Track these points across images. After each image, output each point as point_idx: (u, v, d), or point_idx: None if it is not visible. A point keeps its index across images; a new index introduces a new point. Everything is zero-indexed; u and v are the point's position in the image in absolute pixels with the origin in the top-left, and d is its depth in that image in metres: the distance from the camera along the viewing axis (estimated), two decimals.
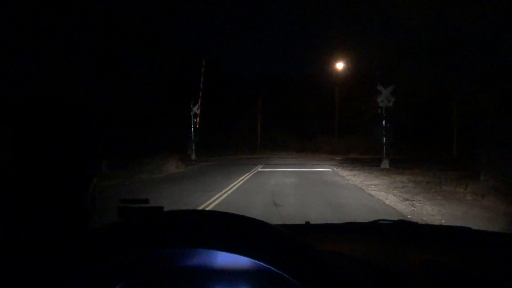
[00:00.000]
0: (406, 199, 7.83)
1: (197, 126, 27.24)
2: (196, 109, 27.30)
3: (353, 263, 0.79)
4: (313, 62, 53.24)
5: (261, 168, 16.85)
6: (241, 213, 0.65)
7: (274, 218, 5.80)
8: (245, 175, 13.37)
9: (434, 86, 26.17)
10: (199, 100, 27.68)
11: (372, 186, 10.10)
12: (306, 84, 40.37)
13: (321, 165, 18.79)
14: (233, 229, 0.61)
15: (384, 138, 17.26)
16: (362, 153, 33.04)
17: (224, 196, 8.35)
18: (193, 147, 26.75)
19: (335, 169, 16.38)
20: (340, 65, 33.51)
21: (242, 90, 39.07)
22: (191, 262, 0.69)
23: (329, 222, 1.60)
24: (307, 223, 1.52)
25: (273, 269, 0.57)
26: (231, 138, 36.98)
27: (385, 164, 16.93)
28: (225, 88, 38.19)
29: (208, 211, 0.66)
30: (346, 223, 1.48)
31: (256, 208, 6.76)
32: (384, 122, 17.25)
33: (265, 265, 0.57)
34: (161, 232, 0.61)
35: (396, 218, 1.49)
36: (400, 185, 10.30)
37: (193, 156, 26.32)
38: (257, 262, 0.57)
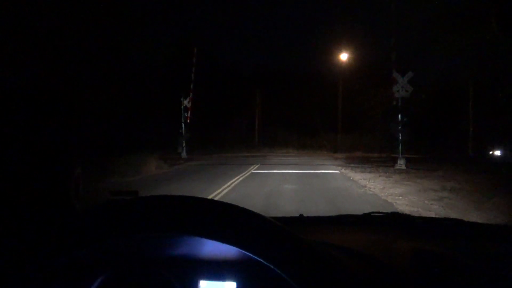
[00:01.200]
0: None
1: (188, 121, 24.77)
2: (187, 103, 24.76)
3: (344, 253, 0.79)
4: (316, 54, 50.07)
5: (256, 169, 14.37)
6: None
7: None
8: (235, 179, 10.91)
9: (451, 75, 23.68)
10: (190, 93, 25.22)
11: (399, 197, 7.62)
12: (307, 78, 37.75)
13: (326, 166, 16.27)
14: (220, 217, 0.59)
15: (400, 134, 14.77)
16: (367, 151, 30.57)
17: None
18: (184, 144, 24.26)
19: (343, 170, 13.88)
20: (344, 56, 31.02)
21: (239, 83, 36.50)
22: (177, 252, 0.69)
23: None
24: (301, 215, 1.48)
25: (261, 260, 0.55)
26: (227, 134, 34.45)
27: (401, 164, 14.47)
28: (221, 81, 35.67)
29: (197, 197, 0.62)
30: (339, 215, 1.46)
31: None
32: (400, 116, 14.74)
33: (253, 256, 0.55)
34: (142, 217, 0.59)
35: None
36: (433, 194, 7.84)
37: (184, 154, 23.85)
38: (245, 252, 0.56)
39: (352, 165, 16.29)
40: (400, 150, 14.77)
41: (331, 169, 14.66)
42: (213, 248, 0.65)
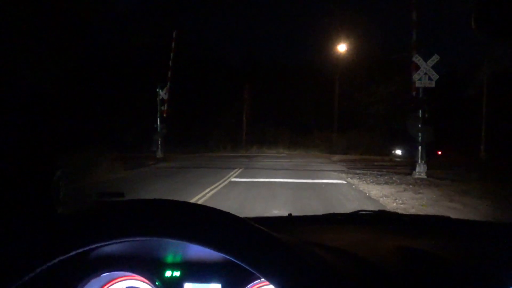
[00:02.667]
0: None
1: (165, 116, 21.43)
2: (164, 94, 21.41)
3: (332, 253, 0.78)
4: (310, 46, 45.23)
5: (237, 176, 11.15)
6: None
7: None
8: (204, 193, 7.73)
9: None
10: (168, 82, 21.88)
11: None
12: (301, 72, 34.61)
13: (326, 172, 13.06)
14: (202, 220, 0.59)
15: (420, 134, 11.69)
16: (366, 152, 27.63)
17: None
18: (159, 142, 20.92)
19: (350, 179, 10.70)
20: (342, 48, 27.91)
21: (227, 75, 33.17)
22: (161, 255, 0.69)
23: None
24: (290, 215, 1.45)
25: (241, 263, 0.56)
26: (212, 131, 31.17)
27: (421, 172, 11.41)
28: (206, 73, 32.36)
29: (180, 201, 0.63)
30: (327, 214, 1.45)
31: None
32: (421, 112, 11.64)
33: (233, 259, 0.56)
34: (126, 220, 0.59)
35: None
36: None
37: (159, 154, 20.51)
38: (226, 256, 0.57)
39: (358, 171, 13.14)
40: (420, 153, 11.71)
41: (334, 177, 11.49)
42: (198, 251, 0.64)
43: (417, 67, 11.47)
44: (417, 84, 11.47)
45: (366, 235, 1.17)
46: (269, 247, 0.57)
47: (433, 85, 11.40)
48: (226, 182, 9.69)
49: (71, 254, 0.57)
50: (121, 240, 0.60)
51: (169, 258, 0.74)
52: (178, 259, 0.74)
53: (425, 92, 11.58)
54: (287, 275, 0.55)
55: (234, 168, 13.39)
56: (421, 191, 8.27)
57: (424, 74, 11.32)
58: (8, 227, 0.87)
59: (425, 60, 11.35)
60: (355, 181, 10.35)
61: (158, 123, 20.68)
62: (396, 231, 1.23)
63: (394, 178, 10.82)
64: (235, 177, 10.78)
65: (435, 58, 11.30)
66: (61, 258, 0.57)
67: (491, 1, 0.82)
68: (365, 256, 0.82)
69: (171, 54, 22.21)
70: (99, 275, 0.76)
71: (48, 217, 0.98)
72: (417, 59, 11.46)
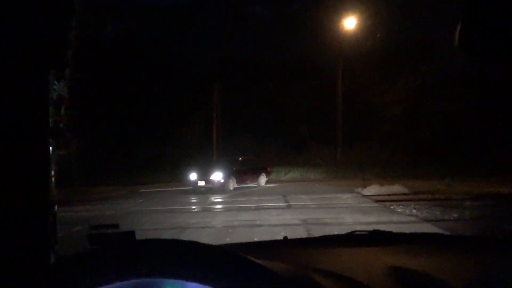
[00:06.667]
0: None
1: (61, 125, 12.24)
2: (61, 89, 12.25)
3: (327, 277, 0.79)
4: (304, 33, 28.71)
5: None
6: None
7: None
8: None
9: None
10: (65, 69, 12.79)
11: None
12: (291, 69, 25.93)
13: None
14: (198, 258, 0.60)
15: None
16: (387, 172, 18.87)
17: None
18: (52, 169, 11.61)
19: None
20: (350, 23, 19.33)
21: (187, 72, 24.19)
22: None
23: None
24: (285, 237, 1.46)
25: None
26: (168, 149, 22.05)
27: None
28: (159, 70, 23.44)
29: (177, 240, 0.63)
30: (323, 236, 1.45)
31: None
32: None
33: None
34: (135, 261, 0.60)
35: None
36: None
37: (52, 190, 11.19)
38: None
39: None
40: None
41: None
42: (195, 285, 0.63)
43: None
44: None
45: (361, 256, 1.19)
46: (266, 280, 0.58)
47: None
48: None
49: None
50: (122, 281, 0.59)
51: None
52: None
53: None
54: None
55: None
56: None
57: None
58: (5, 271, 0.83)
59: None
60: None
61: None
62: (391, 251, 1.24)
63: None
64: None
65: None
66: None
67: (478, 20, 0.80)
68: (361, 279, 0.85)
69: (73, 18, 13.30)
70: None
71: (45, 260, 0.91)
72: None
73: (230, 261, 0.60)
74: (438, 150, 20.24)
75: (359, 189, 11.52)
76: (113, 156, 17.90)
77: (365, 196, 10.39)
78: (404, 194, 10.28)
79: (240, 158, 15.74)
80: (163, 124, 21.60)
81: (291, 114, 25.69)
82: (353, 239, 1.39)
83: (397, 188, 10.99)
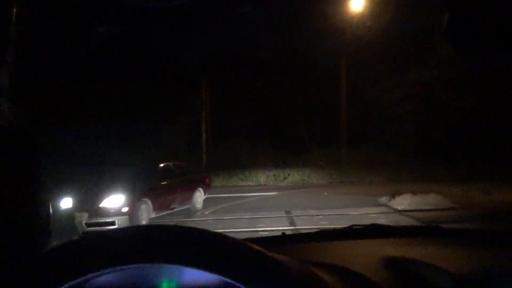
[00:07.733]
0: None
1: None
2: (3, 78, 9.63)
3: (326, 270, 0.78)
4: (301, 21, 26.31)
5: None
6: None
7: None
8: None
9: None
10: (10, 48, 10.16)
11: None
12: (288, 63, 23.33)
13: None
14: (197, 243, 0.59)
15: None
16: (399, 175, 16.61)
17: None
18: None
19: None
20: (357, 4, 16.85)
21: (173, 66, 21.56)
22: (155, 283, 0.68)
23: None
24: (283, 233, 1.46)
25: (240, 285, 0.55)
26: (151, 152, 19.38)
27: None
28: (142, 63, 20.78)
29: (172, 226, 0.63)
30: (321, 230, 1.42)
31: None
32: None
33: (231, 281, 0.55)
34: (121, 248, 0.59)
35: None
36: None
37: None
38: (224, 278, 0.56)
39: None
40: None
41: None
42: (193, 275, 0.64)
43: None
44: None
45: (359, 249, 1.17)
46: (266, 267, 0.57)
47: None
48: None
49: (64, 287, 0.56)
50: (116, 269, 0.58)
51: (164, 286, 0.69)
52: (173, 285, 0.69)
53: None
54: None
55: None
56: None
57: None
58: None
59: None
60: None
61: None
62: (389, 243, 1.23)
63: None
64: None
65: None
66: None
67: (462, 15, 0.79)
68: (359, 270, 0.84)
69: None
70: None
71: (37, 249, 0.92)
72: None
73: (238, 250, 0.58)
74: (455, 151, 17.87)
75: (385, 199, 8.98)
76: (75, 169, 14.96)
77: (399, 212, 7.79)
78: (452, 208, 7.72)
79: (161, 165, 9.64)
80: (144, 124, 18.89)
81: (289, 112, 23.19)
82: (351, 233, 1.38)
83: (435, 199, 8.45)
